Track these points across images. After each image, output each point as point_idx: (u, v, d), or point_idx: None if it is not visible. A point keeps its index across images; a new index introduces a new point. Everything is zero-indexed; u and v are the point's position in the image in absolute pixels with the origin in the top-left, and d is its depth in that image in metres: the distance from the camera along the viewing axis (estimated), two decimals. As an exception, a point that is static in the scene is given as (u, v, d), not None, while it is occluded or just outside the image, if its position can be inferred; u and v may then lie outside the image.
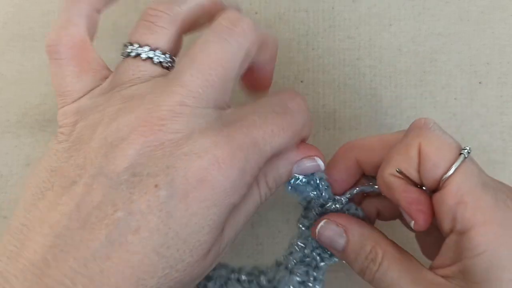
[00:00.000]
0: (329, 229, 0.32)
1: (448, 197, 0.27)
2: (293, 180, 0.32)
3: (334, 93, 0.43)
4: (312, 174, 0.33)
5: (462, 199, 0.27)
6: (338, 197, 0.34)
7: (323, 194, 0.33)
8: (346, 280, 0.41)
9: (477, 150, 0.42)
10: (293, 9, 0.43)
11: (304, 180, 0.32)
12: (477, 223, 0.26)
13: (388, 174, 0.30)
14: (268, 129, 0.28)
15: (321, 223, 0.32)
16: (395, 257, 0.29)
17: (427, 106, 0.42)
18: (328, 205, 0.34)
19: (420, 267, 0.29)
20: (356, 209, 0.34)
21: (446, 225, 0.28)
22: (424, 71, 0.43)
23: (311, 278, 0.34)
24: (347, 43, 0.43)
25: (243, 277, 0.35)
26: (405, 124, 0.42)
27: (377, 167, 0.31)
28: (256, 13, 0.43)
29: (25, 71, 0.43)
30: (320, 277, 0.34)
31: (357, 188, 0.34)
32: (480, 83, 0.43)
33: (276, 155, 0.30)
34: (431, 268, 0.29)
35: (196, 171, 0.26)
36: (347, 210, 0.34)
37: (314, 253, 0.34)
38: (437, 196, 0.28)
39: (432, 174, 0.28)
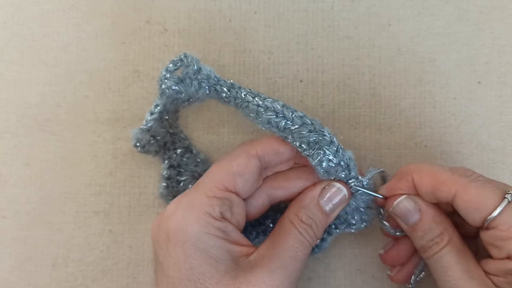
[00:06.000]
0: (407, 204, 0.35)
1: (499, 235, 0.32)
2: (324, 163, 0.34)
3: (333, 93, 0.43)
4: (343, 154, 0.35)
5: None
6: (360, 177, 0.36)
7: (351, 173, 0.36)
8: (344, 280, 0.41)
9: (476, 150, 0.42)
10: (292, 9, 0.43)
11: (335, 161, 0.35)
12: None
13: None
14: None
15: (402, 197, 0.35)
16: (458, 246, 0.34)
17: (426, 106, 0.42)
18: (352, 183, 0.36)
19: (475, 263, 0.33)
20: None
21: (500, 255, 0.32)
22: (423, 71, 0.43)
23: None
24: (346, 43, 0.43)
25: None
26: (404, 124, 0.42)
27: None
28: (255, 12, 0.43)
29: (25, 71, 0.43)
30: (328, 240, 0.39)
31: (379, 170, 0.37)
32: (479, 83, 0.43)
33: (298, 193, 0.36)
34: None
35: None
36: (368, 189, 0.37)
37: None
38: (485, 233, 0.33)
39: (475, 217, 0.32)
